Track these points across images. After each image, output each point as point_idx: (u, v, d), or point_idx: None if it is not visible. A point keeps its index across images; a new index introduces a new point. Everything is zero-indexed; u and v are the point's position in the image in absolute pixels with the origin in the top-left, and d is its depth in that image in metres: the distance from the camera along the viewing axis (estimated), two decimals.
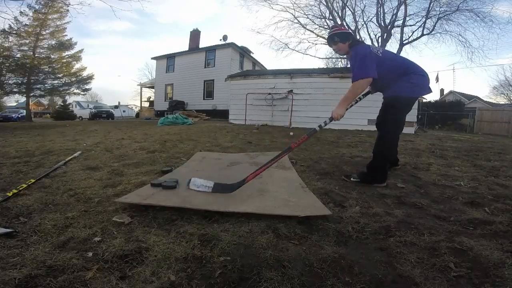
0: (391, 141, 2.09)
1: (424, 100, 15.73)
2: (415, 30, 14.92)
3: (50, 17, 15.18)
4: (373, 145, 2.12)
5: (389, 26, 14.96)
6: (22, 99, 20.20)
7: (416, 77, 1.97)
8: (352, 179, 2.03)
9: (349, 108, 1.98)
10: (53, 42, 15.89)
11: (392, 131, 2.05)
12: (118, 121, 13.86)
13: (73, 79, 17.21)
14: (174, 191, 1.66)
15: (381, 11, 14.87)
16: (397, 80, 1.98)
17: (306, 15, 16.17)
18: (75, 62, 16.97)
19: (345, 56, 2.42)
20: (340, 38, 2.08)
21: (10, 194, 1.65)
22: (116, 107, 22.56)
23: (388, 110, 2.04)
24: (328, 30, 2.44)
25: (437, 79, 12.32)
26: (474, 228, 1.29)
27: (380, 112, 2.12)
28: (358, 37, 14.53)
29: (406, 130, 6.27)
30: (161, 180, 1.78)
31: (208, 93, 16.43)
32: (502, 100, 26.37)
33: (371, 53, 1.93)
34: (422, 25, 14.53)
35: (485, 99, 26.47)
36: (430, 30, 14.57)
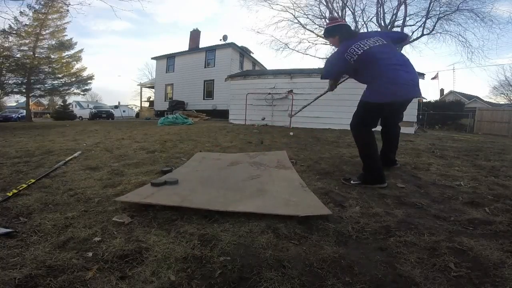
0: (369, 143, 1.96)
1: (424, 100, 15.74)
2: (415, 30, 14.96)
3: (50, 17, 15.18)
4: None
5: (389, 26, 14.97)
6: (22, 99, 20.24)
7: (383, 85, 1.87)
8: (352, 181, 1.95)
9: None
10: (53, 42, 15.92)
11: (361, 133, 1.99)
12: (118, 121, 13.86)
13: (73, 79, 17.23)
14: (174, 190, 1.66)
15: (381, 11, 14.92)
16: (369, 84, 1.99)
17: (306, 15, 16.23)
18: (75, 62, 17.01)
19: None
20: (328, 33, 2.15)
21: (10, 194, 1.65)
22: (116, 107, 22.58)
23: (357, 111, 2.02)
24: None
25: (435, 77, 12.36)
26: (474, 228, 1.29)
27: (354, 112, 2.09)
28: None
29: (406, 130, 6.26)
30: (161, 180, 1.79)
31: (208, 93, 16.43)
32: (502, 100, 26.37)
33: (340, 58, 2.00)
34: (422, 25, 14.58)
35: (485, 99, 26.49)
36: (430, 30, 14.62)
